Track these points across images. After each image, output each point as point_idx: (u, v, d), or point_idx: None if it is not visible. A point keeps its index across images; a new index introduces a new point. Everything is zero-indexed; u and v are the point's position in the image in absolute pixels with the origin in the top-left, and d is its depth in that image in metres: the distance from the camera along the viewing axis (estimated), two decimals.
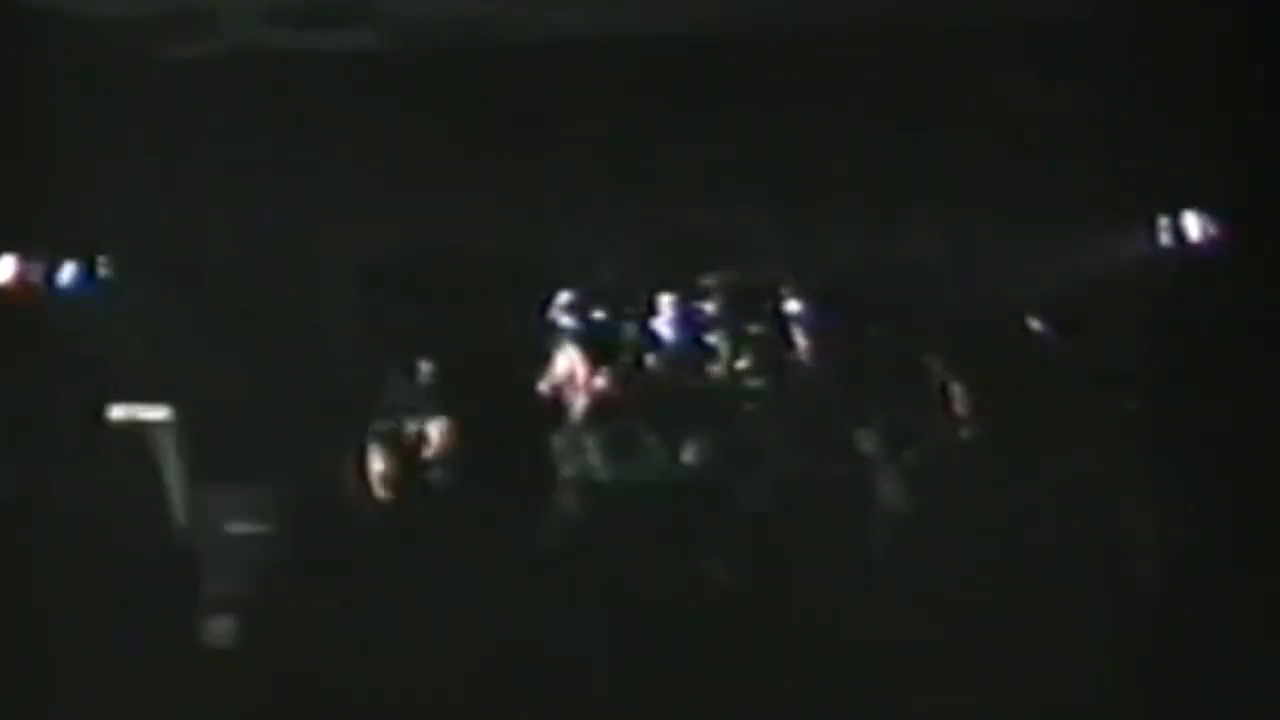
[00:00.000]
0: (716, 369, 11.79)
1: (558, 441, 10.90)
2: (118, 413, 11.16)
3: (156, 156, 10.64)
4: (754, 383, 11.62)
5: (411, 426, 10.57)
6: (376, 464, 10.42)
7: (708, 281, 11.94)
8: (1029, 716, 7.69)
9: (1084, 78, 10.33)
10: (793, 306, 11.70)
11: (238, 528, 10.25)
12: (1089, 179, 10.52)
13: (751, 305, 11.77)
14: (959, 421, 10.33)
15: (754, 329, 11.74)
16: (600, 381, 10.58)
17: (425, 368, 10.90)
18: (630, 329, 11.96)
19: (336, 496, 10.47)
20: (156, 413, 11.22)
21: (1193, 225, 11.00)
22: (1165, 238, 11.14)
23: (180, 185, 10.79)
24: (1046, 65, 10.32)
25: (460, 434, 10.66)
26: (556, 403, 10.65)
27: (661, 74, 10.88)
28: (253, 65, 10.95)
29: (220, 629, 8.81)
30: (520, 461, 10.87)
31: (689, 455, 10.85)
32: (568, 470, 10.67)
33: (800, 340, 11.62)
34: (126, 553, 9.79)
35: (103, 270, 11.44)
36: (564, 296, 11.88)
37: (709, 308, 11.91)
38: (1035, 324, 10.99)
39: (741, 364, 11.71)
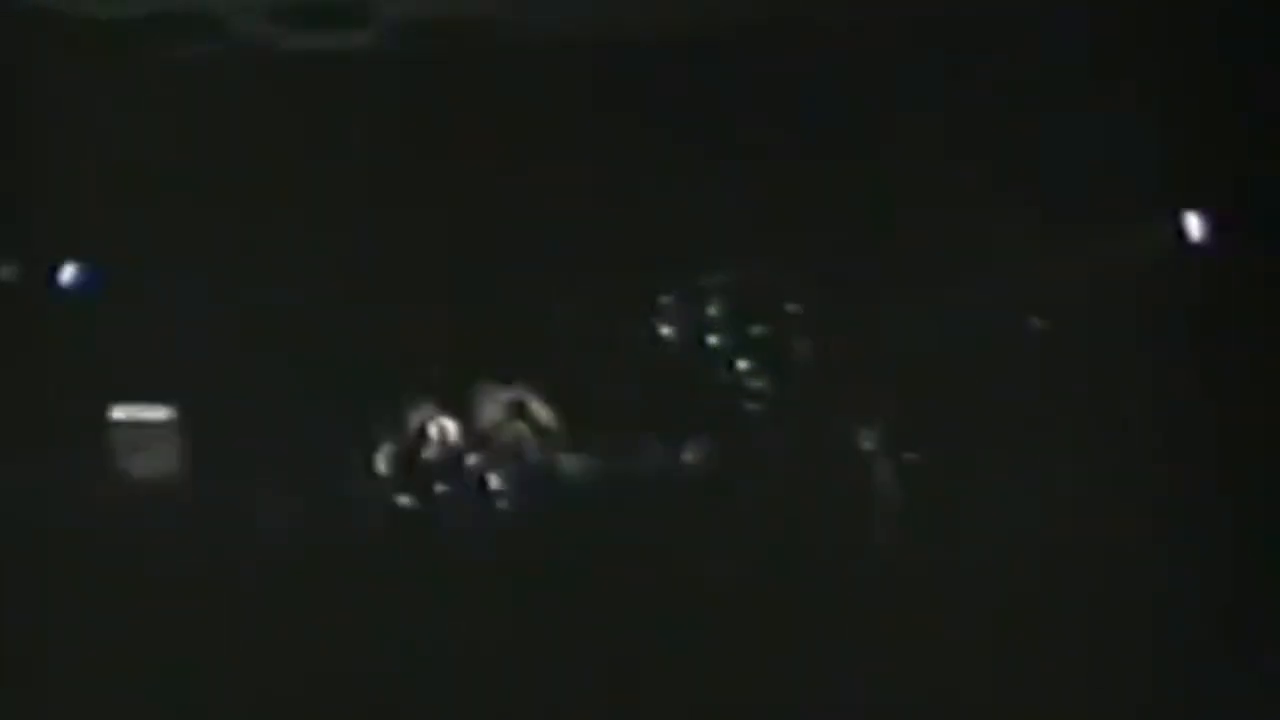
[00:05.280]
0: (717, 369, 11.80)
1: (558, 442, 10.92)
2: (118, 413, 11.18)
3: (155, 156, 10.62)
4: (754, 383, 11.62)
5: (417, 427, 10.59)
6: (384, 464, 10.48)
7: (708, 282, 11.94)
8: (1028, 713, 7.69)
9: (1084, 77, 10.32)
10: (793, 306, 11.71)
11: (238, 527, 10.24)
12: (1090, 179, 10.50)
13: (751, 305, 11.77)
14: (958, 421, 10.35)
15: (754, 329, 11.74)
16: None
17: (432, 370, 10.91)
18: (630, 329, 11.97)
19: (338, 496, 10.49)
20: (157, 413, 11.23)
21: (1193, 225, 10.99)
22: (1166, 237, 11.13)
23: (180, 185, 10.77)
24: (1046, 65, 10.31)
25: (466, 434, 10.69)
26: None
27: (662, 74, 10.87)
28: (253, 65, 10.94)
29: (222, 627, 8.81)
30: (521, 461, 10.88)
31: (689, 455, 10.87)
32: (567, 470, 10.69)
33: (800, 340, 11.62)
34: (127, 552, 9.80)
35: (102, 270, 11.45)
36: (565, 297, 11.89)
37: (709, 308, 11.91)
38: (1035, 323, 11.01)
39: (741, 364, 11.71)
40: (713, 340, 11.86)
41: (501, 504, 10.53)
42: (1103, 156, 10.33)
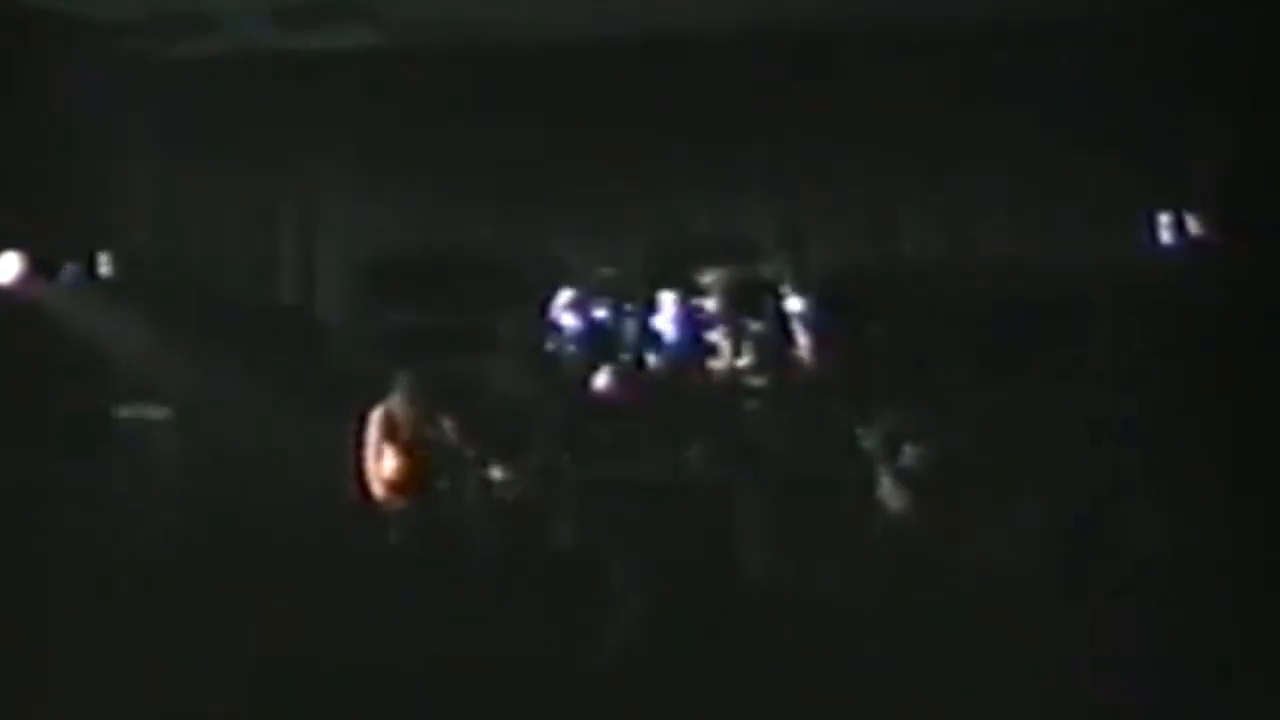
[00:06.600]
0: (717, 367, 11.80)
1: (558, 440, 10.92)
2: (118, 413, 11.18)
3: (157, 156, 10.62)
4: (754, 381, 11.63)
5: (417, 427, 10.57)
6: (384, 464, 10.46)
7: (708, 280, 11.95)
8: (1026, 714, 7.71)
9: (1084, 78, 10.31)
10: (793, 305, 11.71)
11: (238, 527, 10.25)
12: (1089, 179, 10.50)
13: (752, 304, 11.78)
14: (958, 421, 10.34)
15: (754, 327, 11.75)
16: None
17: (428, 369, 10.90)
18: (631, 328, 11.98)
19: (337, 497, 10.49)
20: (156, 413, 11.24)
21: (1193, 225, 10.99)
22: (1165, 238, 11.14)
23: (180, 185, 10.77)
24: (1046, 65, 10.30)
25: (465, 433, 10.67)
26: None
27: (661, 74, 10.86)
28: (253, 65, 10.93)
29: (220, 627, 8.82)
30: (521, 461, 10.87)
31: (689, 454, 10.88)
32: (568, 468, 10.69)
33: (800, 339, 11.63)
34: (126, 552, 9.82)
35: (103, 270, 11.44)
36: (564, 296, 11.90)
37: (710, 306, 11.92)
38: (1035, 323, 11.00)
39: (742, 362, 11.72)
40: (713, 338, 11.88)
41: (502, 503, 10.54)
42: (1103, 156, 10.35)
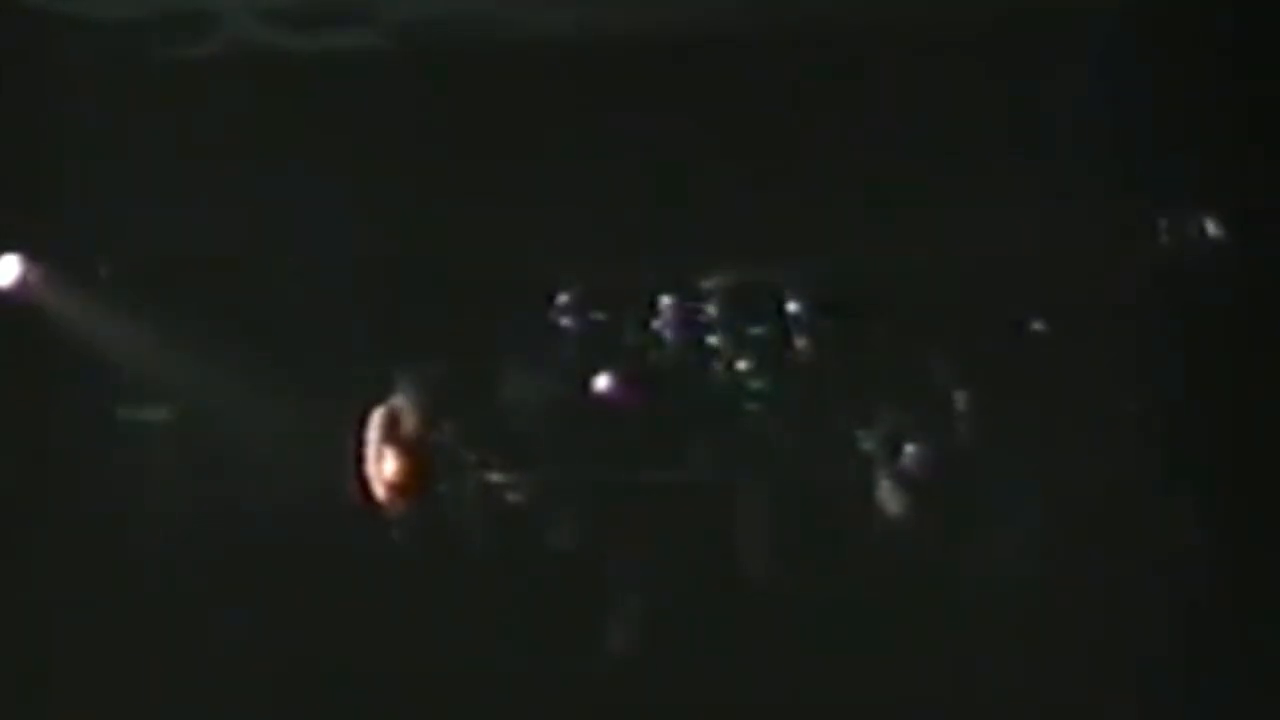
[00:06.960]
0: (717, 370, 11.81)
1: (559, 442, 10.93)
2: (117, 414, 11.19)
3: (157, 156, 10.61)
4: (754, 383, 11.63)
5: (416, 428, 10.57)
6: (384, 466, 10.46)
7: (708, 282, 11.95)
8: (1025, 714, 7.71)
9: (1084, 77, 10.31)
10: (793, 306, 11.71)
11: (238, 528, 10.26)
12: (1089, 179, 10.49)
13: (751, 305, 11.78)
14: (959, 421, 10.35)
15: (754, 329, 11.76)
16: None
17: (428, 369, 10.90)
18: (630, 330, 11.98)
19: (337, 498, 10.50)
20: (156, 414, 11.25)
21: (1194, 225, 10.99)
22: (1165, 238, 11.14)
23: (180, 185, 10.76)
24: (1046, 65, 10.30)
25: (466, 435, 10.68)
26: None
27: (661, 74, 10.86)
28: (253, 65, 10.93)
29: (220, 628, 8.82)
30: (522, 461, 10.88)
31: (689, 456, 10.89)
32: (569, 470, 10.70)
33: (800, 340, 11.63)
34: (126, 553, 9.82)
35: (103, 271, 11.45)
36: (564, 297, 11.90)
37: (709, 308, 11.92)
38: (1035, 324, 11.01)
39: (742, 364, 11.72)
40: (713, 340, 11.88)
41: (503, 505, 10.55)
42: (1104, 155, 10.34)
